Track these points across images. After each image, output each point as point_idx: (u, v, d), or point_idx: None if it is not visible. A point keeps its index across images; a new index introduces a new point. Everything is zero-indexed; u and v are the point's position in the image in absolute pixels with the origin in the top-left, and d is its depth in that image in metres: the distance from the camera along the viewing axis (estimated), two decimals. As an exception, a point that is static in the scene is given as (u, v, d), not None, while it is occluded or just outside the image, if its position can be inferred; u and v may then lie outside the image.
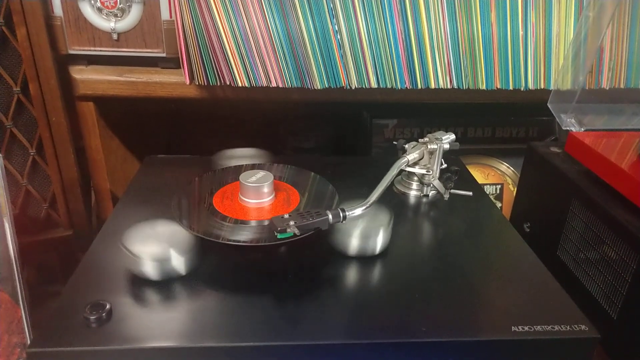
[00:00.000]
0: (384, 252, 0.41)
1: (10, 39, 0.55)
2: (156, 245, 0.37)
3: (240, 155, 0.57)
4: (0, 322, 0.46)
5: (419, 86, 0.61)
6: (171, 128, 0.92)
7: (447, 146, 0.50)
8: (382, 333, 0.33)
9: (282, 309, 0.35)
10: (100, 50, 0.61)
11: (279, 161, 0.53)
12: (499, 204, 0.79)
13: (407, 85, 0.61)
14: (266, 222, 0.42)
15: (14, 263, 0.48)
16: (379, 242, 0.41)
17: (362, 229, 0.40)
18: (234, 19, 0.56)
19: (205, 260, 0.40)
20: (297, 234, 0.38)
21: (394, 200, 0.51)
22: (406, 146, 0.52)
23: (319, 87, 0.60)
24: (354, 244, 0.40)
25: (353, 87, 0.60)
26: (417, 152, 0.50)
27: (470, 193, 0.52)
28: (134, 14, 0.59)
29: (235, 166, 0.52)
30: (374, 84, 0.60)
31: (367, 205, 0.42)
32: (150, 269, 0.37)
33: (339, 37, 0.57)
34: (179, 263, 0.37)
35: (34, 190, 0.62)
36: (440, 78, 0.61)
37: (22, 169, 0.60)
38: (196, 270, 0.39)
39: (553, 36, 0.60)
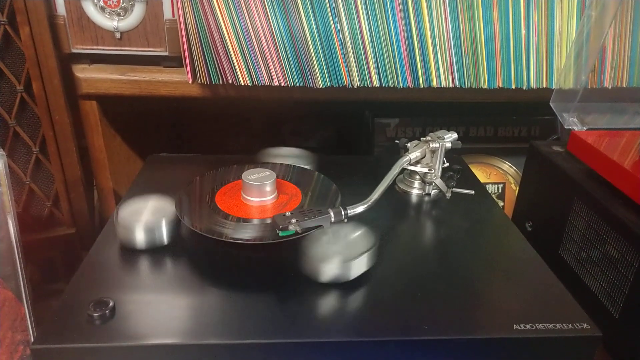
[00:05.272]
0: (387, 251, 0.41)
1: (14, 38, 0.55)
2: (140, 214, 0.40)
3: (283, 155, 0.56)
4: (3, 320, 0.47)
5: (421, 85, 0.61)
6: (174, 127, 0.92)
7: (449, 145, 0.50)
8: (385, 331, 0.33)
9: (285, 306, 0.35)
10: (103, 49, 0.61)
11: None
12: (501, 203, 0.79)
13: (409, 84, 0.61)
14: (268, 221, 0.42)
15: (17, 261, 0.48)
16: (353, 271, 0.37)
17: (340, 257, 0.37)
18: (236, 18, 0.56)
19: (208, 258, 0.40)
20: (299, 232, 0.38)
21: (395, 199, 0.51)
22: (408, 145, 0.52)
23: (321, 86, 0.60)
24: (325, 273, 0.37)
25: (355, 86, 0.60)
26: (419, 151, 0.50)
27: (472, 192, 0.52)
28: (136, 13, 0.59)
29: (238, 165, 0.52)
30: (376, 83, 0.60)
31: (369, 204, 0.42)
32: (133, 235, 0.39)
33: (341, 35, 0.58)
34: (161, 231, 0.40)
35: (37, 189, 0.62)
36: (442, 77, 0.61)
37: (26, 167, 0.61)
38: (197, 267, 0.39)
39: (555, 35, 0.60)
